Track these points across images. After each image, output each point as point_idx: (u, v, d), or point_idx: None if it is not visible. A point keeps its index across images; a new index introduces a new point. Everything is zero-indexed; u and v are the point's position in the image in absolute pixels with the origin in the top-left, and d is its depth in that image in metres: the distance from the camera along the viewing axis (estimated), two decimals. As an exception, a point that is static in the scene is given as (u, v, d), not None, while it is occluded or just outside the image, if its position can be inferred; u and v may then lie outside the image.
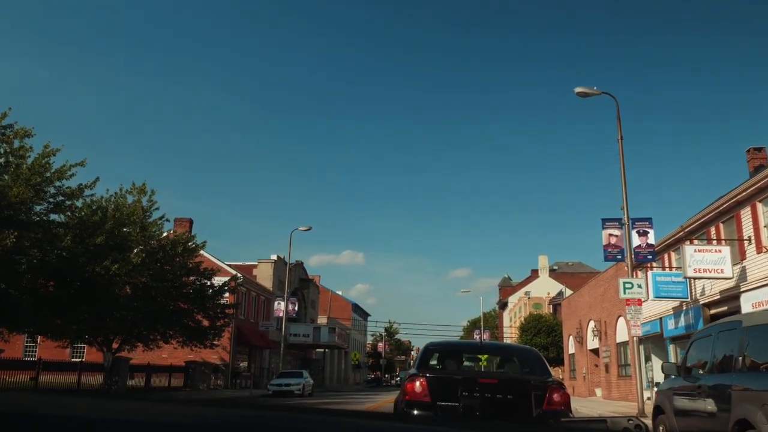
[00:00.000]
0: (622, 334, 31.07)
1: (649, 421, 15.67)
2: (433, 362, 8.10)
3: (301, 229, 40.57)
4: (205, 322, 31.84)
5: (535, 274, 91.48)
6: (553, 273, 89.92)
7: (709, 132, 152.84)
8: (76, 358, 38.41)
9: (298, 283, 56.61)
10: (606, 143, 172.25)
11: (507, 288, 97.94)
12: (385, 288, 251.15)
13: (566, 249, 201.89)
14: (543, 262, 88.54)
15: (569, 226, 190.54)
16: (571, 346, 43.48)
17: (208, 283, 32.16)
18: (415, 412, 6.80)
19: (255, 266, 49.22)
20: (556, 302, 50.71)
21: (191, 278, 31.40)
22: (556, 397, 6.73)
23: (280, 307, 40.42)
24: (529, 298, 73.37)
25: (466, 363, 9.93)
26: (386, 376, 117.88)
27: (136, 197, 30.05)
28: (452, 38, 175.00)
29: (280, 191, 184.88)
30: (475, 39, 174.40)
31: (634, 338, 18.69)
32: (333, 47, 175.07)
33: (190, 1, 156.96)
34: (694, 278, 20.02)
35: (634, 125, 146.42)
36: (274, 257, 49.50)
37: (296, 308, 41.14)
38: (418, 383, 6.91)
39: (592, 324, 36.86)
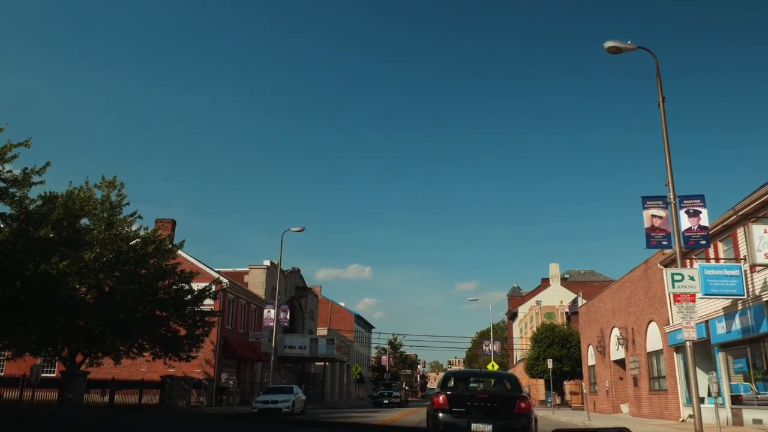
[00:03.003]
0: (653, 341, 27.26)
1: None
2: (450, 384, 12.24)
3: (293, 229, 37.04)
4: (183, 332, 28.34)
5: (545, 283, 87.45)
6: (565, 282, 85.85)
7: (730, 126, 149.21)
8: (47, 373, 34.86)
9: (295, 291, 52.97)
10: (612, 153, 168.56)
11: (516, 298, 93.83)
12: (392, 302, 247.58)
13: (577, 259, 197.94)
14: (554, 270, 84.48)
15: (579, 235, 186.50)
16: (591, 358, 39.56)
17: (186, 287, 28.70)
18: (440, 414, 11.02)
19: (246, 272, 45.62)
20: (573, 311, 46.80)
21: (167, 282, 27.95)
22: (522, 405, 10.98)
23: (270, 315, 36.75)
24: (540, 307, 69.33)
25: (471, 384, 13.77)
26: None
27: (105, 192, 26.78)
28: (463, 48, 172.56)
29: (285, 203, 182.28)
30: (479, 48, 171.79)
31: (688, 343, 14.90)
32: (344, 57, 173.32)
33: (194, 14, 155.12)
34: (765, 266, 16.29)
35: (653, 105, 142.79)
36: (267, 263, 45.91)
37: (288, 316, 37.45)
38: (441, 397, 11.24)
39: (616, 332, 33.00)
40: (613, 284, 33.84)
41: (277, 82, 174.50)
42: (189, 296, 28.73)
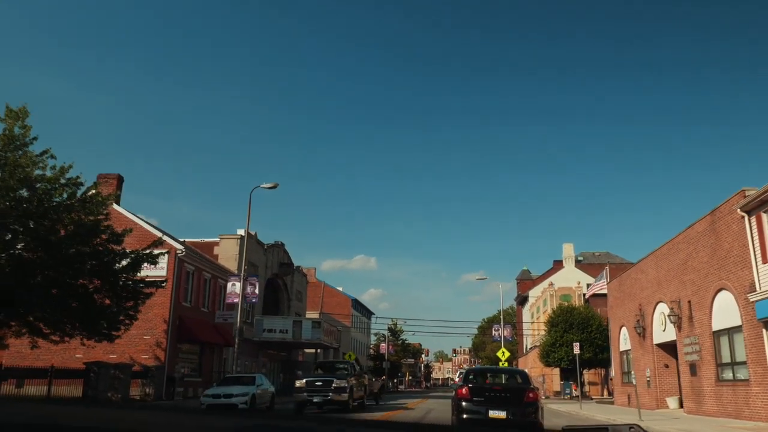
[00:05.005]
0: (724, 316, 20.56)
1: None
2: (471, 377, 14.89)
3: (264, 186, 30.39)
4: (107, 302, 21.89)
5: (558, 265, 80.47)
6: (579, 264, 78.91)
7: None
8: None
9: (278, 268, 46.41)
10: (612, 150, 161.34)
11: (526, 281, 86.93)
12: (397, 293, 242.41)
13: (587, 245, 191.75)
14: (568, 251, 77.54)
15: (589, 222, 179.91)
16: (624, 341, 32.88)
17: (118, 249, 22.21)
18: (464, 403, 13.08)
19: (216, 243, 39.09)
20: (598, 291, 40.14)
21: (97, 241, 21.48)
22: (531, 395, 13.12)
23: (235, 289, 30.15)
24: (555, 289, 62.58)
25: (489, 378, 15.89)
26: (394, 380, 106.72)
27: (7, 125, 20.32)
28: (465, 44, 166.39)
29: (291, 196, 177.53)
30: (477, 44, 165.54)
31: None
32: (350, 52, 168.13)
33: (201, 9, 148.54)
34: None
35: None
36: (240, 232, 39.31)
37: (256, 290, 30.81)
38: (464, 389, 13.45)
39: (663, 308, 26.35)
40: (661, 248, 27.09)
41: (284, 79, 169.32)
42: (123, 261, 22.27)
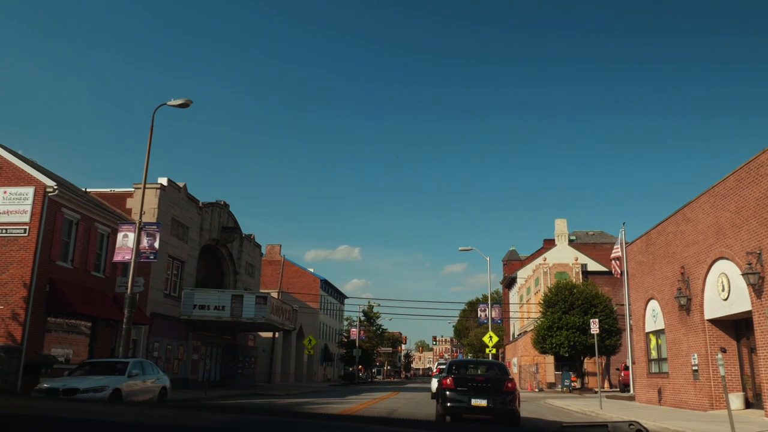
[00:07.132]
0: None
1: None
2: (454, 369, 15.78)
3: (171, 103, 22.07)
4: None
5: (549, 244, 72.90)
6: (572, 243, 71.39)
7: None
8: None
9: (219, 233, 38.04)
10: (600, 142, 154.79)
11: (514, 262, 79.31)
12: (381, 283, 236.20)
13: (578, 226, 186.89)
14: (561, 228, 69.85)
15: (578, 205, 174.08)
16: (651, 319, 25.09)
17: None
18: (448, 392, 13.95)
19: (130, 195, 30.62)
20: (613, 257, 32.38)
21: None
22: (509, 385, 14.02)
23: (127, 242, 21.71)
24: (550, 265, 54.81)
25: (470, 369, 16.47)
26: (372, 371, 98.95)
27: None
28: (451, 35, 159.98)
29: (276, 185, 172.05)
30: (472, 37, 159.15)
31: None
32: (338, 45, 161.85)
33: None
34: None
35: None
36: (162, 181, 30.88)
37: (156, 244, 22.36)
38: (448, 380, 14.26)
39: (725, 266, 18.53)
40: (718, 184, 19.16)
41: (269, 72, 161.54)
42: None
